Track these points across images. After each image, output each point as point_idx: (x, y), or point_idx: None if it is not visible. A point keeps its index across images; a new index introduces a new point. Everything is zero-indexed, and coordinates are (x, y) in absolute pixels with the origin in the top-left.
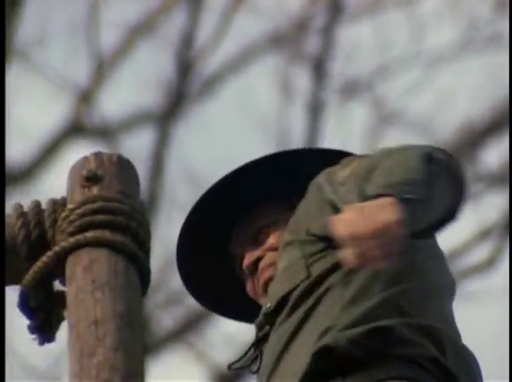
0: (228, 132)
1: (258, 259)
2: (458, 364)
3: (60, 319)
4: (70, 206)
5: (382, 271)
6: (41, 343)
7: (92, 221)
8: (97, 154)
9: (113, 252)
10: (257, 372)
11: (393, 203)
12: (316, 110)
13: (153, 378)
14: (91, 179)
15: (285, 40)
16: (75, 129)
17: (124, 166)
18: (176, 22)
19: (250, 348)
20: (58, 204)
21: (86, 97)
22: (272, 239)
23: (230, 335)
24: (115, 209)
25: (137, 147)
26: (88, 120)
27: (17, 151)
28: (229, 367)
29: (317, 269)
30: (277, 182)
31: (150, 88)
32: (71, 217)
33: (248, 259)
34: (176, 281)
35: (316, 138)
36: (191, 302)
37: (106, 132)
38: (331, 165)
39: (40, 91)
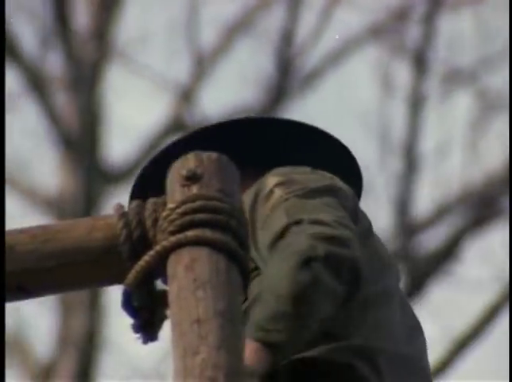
0: (329, 126)
1: None
2: (398, 375)
3: (163, 318)
4: (170, 205)
5: None
6: (145, 342)
7: (192, 220)
8: (196, 153)
9: (214, 251)
10: None
11: (259, 350)
12: (416, 102)
13: None
14: (191, 178)
15: (384, 32)
16: (176, 127)
17: (223, 165)
18: (275, 18)
19: None
20: (158, 204)
21: (186, 95)
22: None
23: None
24: (215, 208)
25: None
26: (189, 118)
27: (120, 151)
28: None
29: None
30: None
31: (250, 85)
32: (172, 216)
33: None
34: None
35: (417, 130)
36: None
37: None
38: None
39: (141, 90)
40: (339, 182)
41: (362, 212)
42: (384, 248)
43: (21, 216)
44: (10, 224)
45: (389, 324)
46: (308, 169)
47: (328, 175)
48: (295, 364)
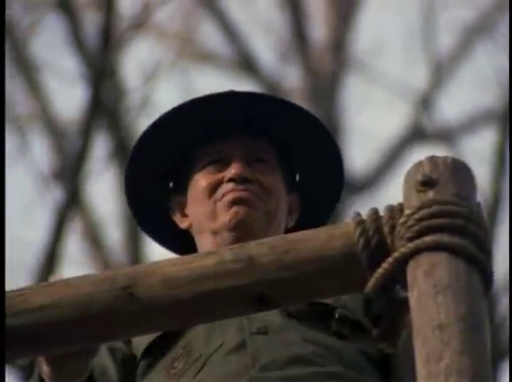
0: None
1: (231, 180)
2: None
3: (404, 325)
4: (407, 211)
5: None
6: (386, 350)
7: (430, 225)
8: (431, 158)
9: (452, 255)
10: None
11: None
12: None
13: None
14: (427, 183)
15: None
16: (415, 134)
17: (459, 169)
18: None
19: None
20: (395, 211)
21: (425, 102)
22: (264, 177)
23: None
24: (452, 212)
25: (478, 148)
26: (428, 124)
27: (361, 160)
28: None
29: None
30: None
31: (490, 88)
32: (409, 223)
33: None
34: None
35: None
36: None
37: (446, 135)
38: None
39: (380, 99)
40: None
41: None
42: None
43: None
44: None
45: None
46: None
47: None
48: None
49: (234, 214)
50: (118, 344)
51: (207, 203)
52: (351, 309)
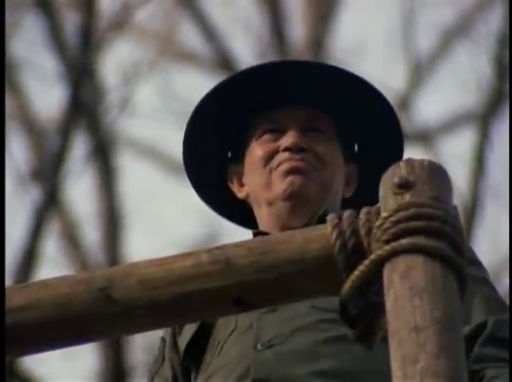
0: None
1: (287, 149)
2: None
3: (380, 327)
4: (384, 214)
5: None
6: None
7: (406, 228)
8: (408, 161)
9: (428, 258)
10: None
11: None
12: None
13: None
14: (403, 186)
15: None
16: None
17: (436, 171)
18: (491, 21)
19: None
20: (372, 213)
21: (404, 102)
22: (320, 146)
23: None
24: (429, 215)
25: (457, 149)
26: (407, 125)
27: None
28: None
29: None
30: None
31: (468, 89)
32: (386, 225)
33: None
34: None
35: None
36: None
37: (425, 136)
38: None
39: None
40: None
41: None
42: None
43: None
44: None
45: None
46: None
47: None
48: None
49: (290, 184)
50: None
51: (262, 172)
52: None
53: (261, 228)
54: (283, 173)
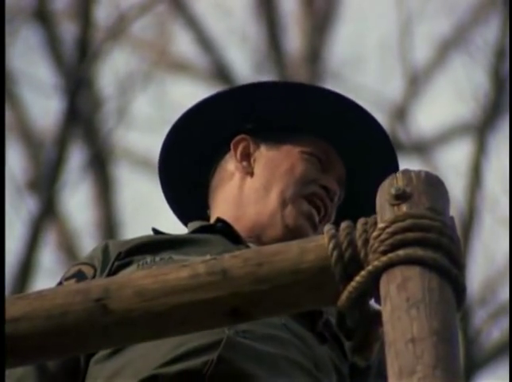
0: None
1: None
2: None
3: (377, 338)
4: (381, 225)
5: None
6: (361, 363)
7: (403, 239)
8: (405, 172)
9: (425, 269)
10: None
11: None
12: None
13: None
14: (400, 197)
15: None
16: None
17: (433, 183)
18: (488, 33)
19: None
20: (369, 224)
21: (401, 113)
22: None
23: None
24: (426, 226)
25: (454, 160)
26: (404, 136)
27: None
28: None
29: None
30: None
31: (465, 101)
32: (382, 236)
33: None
34: (504, 293)
35: None
36: None
37: (422, 147)
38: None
39: None
40: None
41: None
42: None
43: None
44: None
45: None
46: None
47: None
48: None
49: (300, 227)
50: None
51: (294, 182)
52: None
53: (222, 205)
54: (306, 212)
